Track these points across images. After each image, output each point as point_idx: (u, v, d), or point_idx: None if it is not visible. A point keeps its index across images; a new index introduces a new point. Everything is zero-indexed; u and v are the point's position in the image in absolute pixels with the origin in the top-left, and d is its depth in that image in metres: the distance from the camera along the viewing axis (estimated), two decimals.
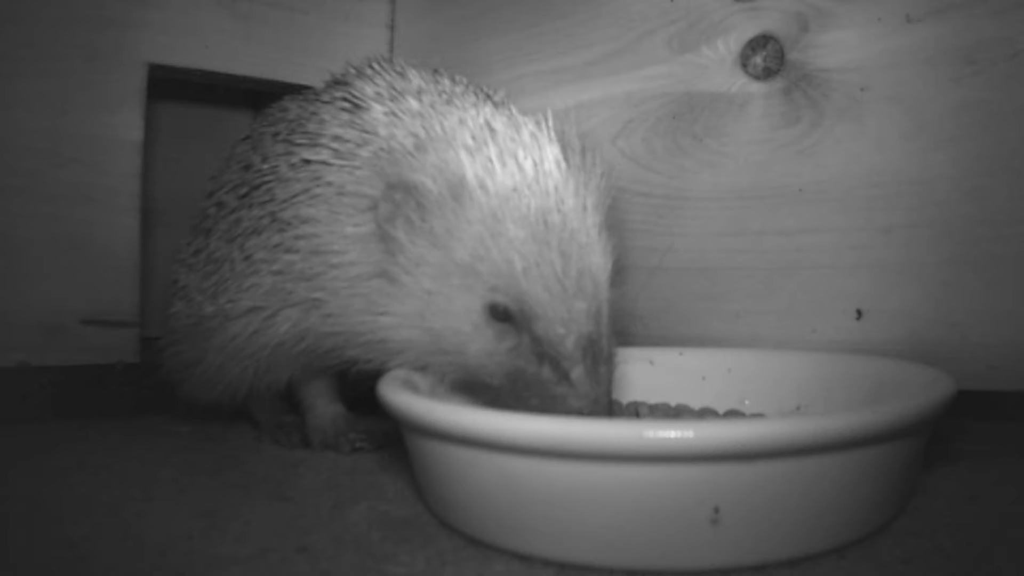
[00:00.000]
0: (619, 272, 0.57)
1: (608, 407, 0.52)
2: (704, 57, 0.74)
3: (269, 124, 0.68)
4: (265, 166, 0.64)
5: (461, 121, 0.56)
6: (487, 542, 0.45)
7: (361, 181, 0.56)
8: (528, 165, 0.53)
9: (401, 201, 0.54)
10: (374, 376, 0.54)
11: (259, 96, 0.79)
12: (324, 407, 0.71)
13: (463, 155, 0.53)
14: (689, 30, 0.75)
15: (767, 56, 0.70)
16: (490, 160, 0.53)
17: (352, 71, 0.66)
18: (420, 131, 0.56)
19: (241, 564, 0.43)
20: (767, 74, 0.71)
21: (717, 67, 0.73)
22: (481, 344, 0.53)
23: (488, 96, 0.63)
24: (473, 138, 0.54)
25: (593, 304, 0.52)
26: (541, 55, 0.84)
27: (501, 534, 0.44)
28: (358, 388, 0.71)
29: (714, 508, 0.39)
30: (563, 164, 0.55)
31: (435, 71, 0.65)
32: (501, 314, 0.52)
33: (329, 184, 0.58)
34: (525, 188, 0.52)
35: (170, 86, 0.92)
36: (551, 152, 0.55)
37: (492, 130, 0.55)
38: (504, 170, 0.53)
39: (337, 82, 0.66)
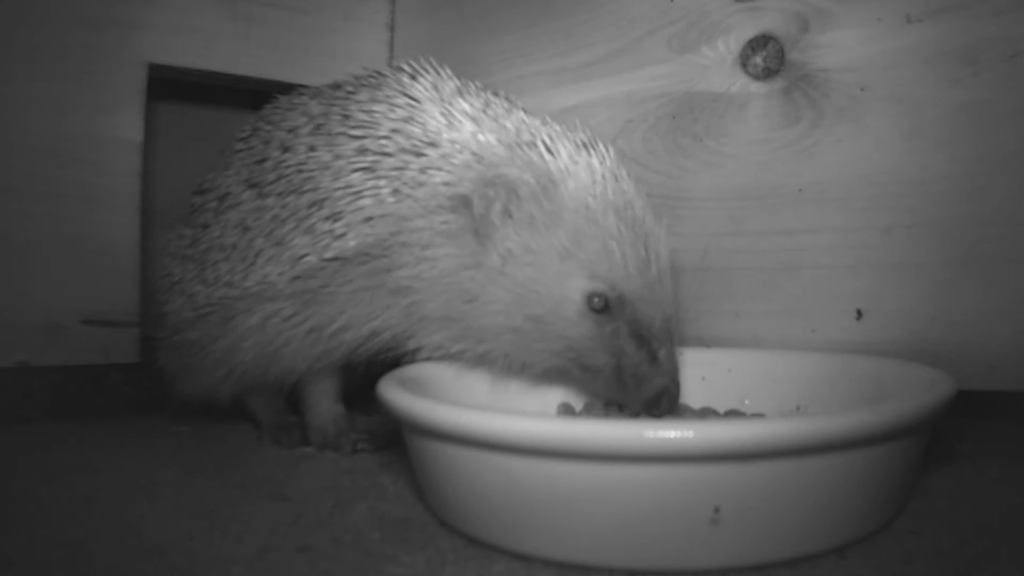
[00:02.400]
0: None
1: (679, 383, 0.57)
2: (704, 57, 0.74)
3: (281, 119, 0.67)
4: (299, 156, 0.62)
5: (519, 126, 0.59)
6: (487, 542, 0.45)
7: (449, 178, 0.57)
8: (595, 162, 0.57)
9: (495, 195, 0.56)
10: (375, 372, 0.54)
11: (259, 96, 0.78)
12: (327, 407, 0.71)
13: (543, 152, 0.57)
14: (689, 30, 0.75)
15: (767, 56, 0.70)
16: (566, 156, 0.57)
17: (386, 70, 0.66)
18: (489, 134, 0.58)
19: (241, 564, 0.43)
20: (767, 74, 0.71)
21: (717, 67, 0.73)
22: (584, 329, 0.56)
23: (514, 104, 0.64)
24: (541, 140, 0.57)
25: (669, 288, 0.57)
26: (541, 55, 0.84)
27: (501, 534, 0.44)
28: (354, 383, 0.72)
29: (714, 508, 0.39)
30: (615, 160, 0.59)
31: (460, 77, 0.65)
32: (597, 305, 0.55)
33: (408, 181, 0.58)
34: (602, 180, 0.56)
35: (170, 86, 0.92)
36: (606, 149, 0.59)
37: (548, 134, 0.58)
38: (581, 164, 0.56)
39: (368, 82, 0.65)
